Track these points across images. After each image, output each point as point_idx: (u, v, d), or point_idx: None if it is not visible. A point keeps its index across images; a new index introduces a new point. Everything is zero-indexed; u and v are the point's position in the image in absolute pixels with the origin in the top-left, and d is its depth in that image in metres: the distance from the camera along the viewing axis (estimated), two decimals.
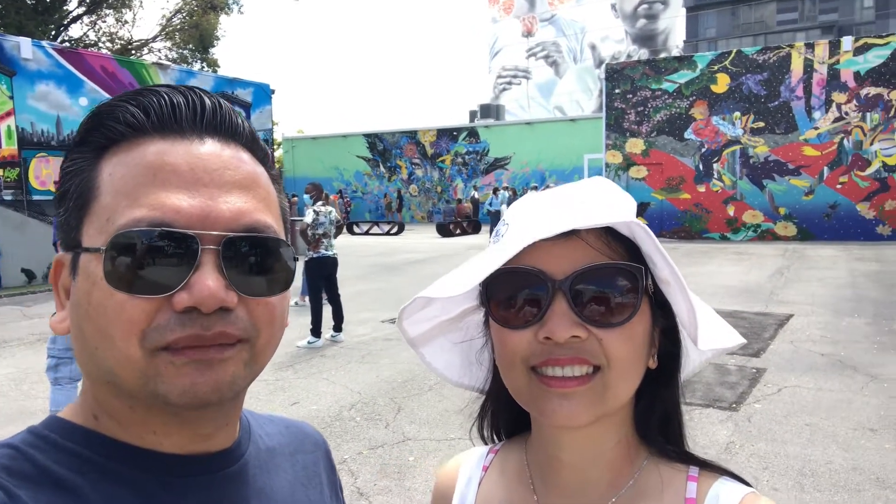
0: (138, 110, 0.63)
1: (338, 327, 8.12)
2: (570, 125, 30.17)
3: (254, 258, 0.63)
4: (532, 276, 0.68)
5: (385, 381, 6.28)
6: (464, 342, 0.85)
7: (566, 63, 58.94)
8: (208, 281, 0.59)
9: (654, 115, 20.72)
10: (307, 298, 9.65)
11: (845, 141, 18.48)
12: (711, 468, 0.75)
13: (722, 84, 19.87)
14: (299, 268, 10.74)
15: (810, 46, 18.92)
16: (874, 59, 18.03)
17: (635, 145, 21.03)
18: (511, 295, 0.69)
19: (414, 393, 5.89)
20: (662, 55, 45.31)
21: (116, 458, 0.62)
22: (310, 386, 6.25)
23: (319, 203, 8.07)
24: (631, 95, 20.97)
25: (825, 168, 18.94)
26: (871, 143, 18.17)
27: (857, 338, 7.49)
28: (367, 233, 26.78)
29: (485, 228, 26.32)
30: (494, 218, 22.64)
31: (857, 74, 18.21)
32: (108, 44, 30.58)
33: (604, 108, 21.66)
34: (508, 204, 22.38)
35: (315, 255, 7.90)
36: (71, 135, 15.50)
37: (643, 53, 52.62)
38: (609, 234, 0.68)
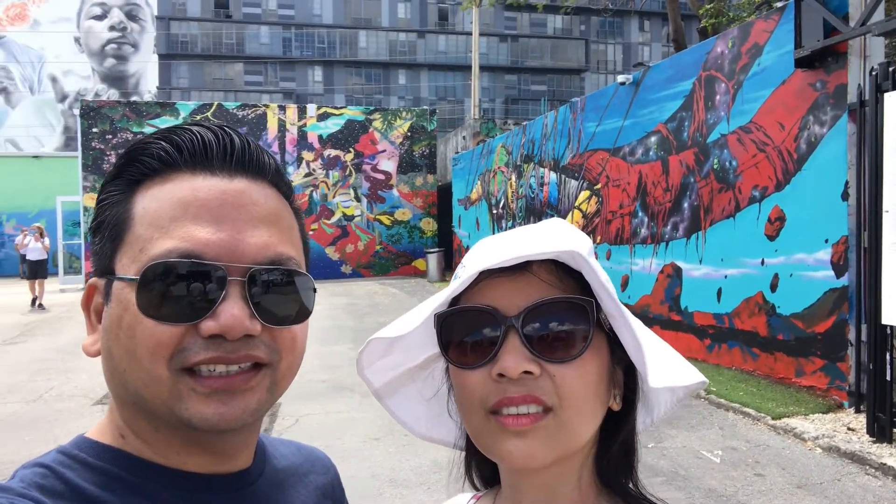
0: (171, 147, 0.66)
1: None
2: (33, 162, 26.14)
3: (277, 288, 0.66)
4: (485, 314, 0.67)
5: None
6: (433, 392, 0.81)
7: (21, 92, 51.36)
8: (234, 310, 0.62)
9: None
10: None
11: (314, 193, 21.27)
12: None
13: None
14: None
15: (283, 109, 21.24)
16: (333, 126, 21.37)
17: None
18: (465, 335, 0.68)
19: None
20: (134, 98, 44.02)
21: (143, 476, 0.65)
22: None
23: None
24: (111, 136, 19.67)
25: None
26: (334, 196, 21.39)
27: (345, 362, 8.69)
28: None
29: None
30: None
31: (320, 137, 21.25)
32: None
33: (79, 148, 19.71)
34: None
35: None
36: None
37: (114, 94, 49.98)
38: (560, 269, 0.68)
